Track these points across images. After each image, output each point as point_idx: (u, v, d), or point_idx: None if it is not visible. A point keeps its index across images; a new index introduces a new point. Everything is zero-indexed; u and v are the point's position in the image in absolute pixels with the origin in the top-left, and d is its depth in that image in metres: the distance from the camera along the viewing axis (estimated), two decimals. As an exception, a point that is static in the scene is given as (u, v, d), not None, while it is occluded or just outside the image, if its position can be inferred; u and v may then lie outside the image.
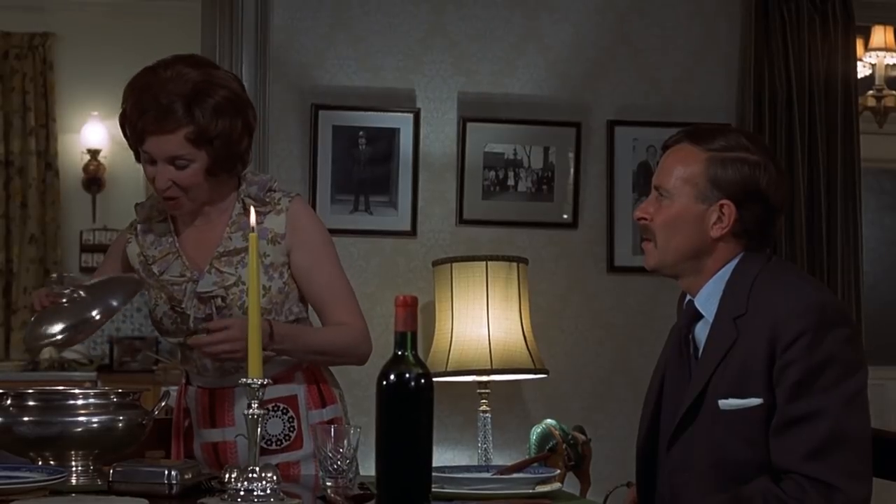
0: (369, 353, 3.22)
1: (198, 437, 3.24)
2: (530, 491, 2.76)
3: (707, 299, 2.72)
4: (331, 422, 3.20)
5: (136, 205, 3.30)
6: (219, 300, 3.11)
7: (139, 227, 3.25)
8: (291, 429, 3.17)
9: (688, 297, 2.78)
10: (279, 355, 3.09)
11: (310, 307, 3.25)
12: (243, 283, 3.09)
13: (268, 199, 3.16)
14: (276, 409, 3.14)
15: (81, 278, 3.06)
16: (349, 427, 2.73)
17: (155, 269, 3.17)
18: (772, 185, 2.71)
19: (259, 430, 2.88)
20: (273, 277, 3.14)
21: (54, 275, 3.02)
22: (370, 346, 3.22)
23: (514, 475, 2.84)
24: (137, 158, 3.14)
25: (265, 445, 3.12)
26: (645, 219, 2.75)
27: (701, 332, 2.73)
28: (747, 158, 2.69)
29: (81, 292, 2.99)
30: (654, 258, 2.75)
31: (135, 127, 3.04)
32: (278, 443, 3.15)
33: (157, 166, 3.06)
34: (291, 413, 3.17)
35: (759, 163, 2.70)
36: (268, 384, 2.51)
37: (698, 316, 2.73)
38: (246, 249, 3.10)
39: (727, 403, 2.60)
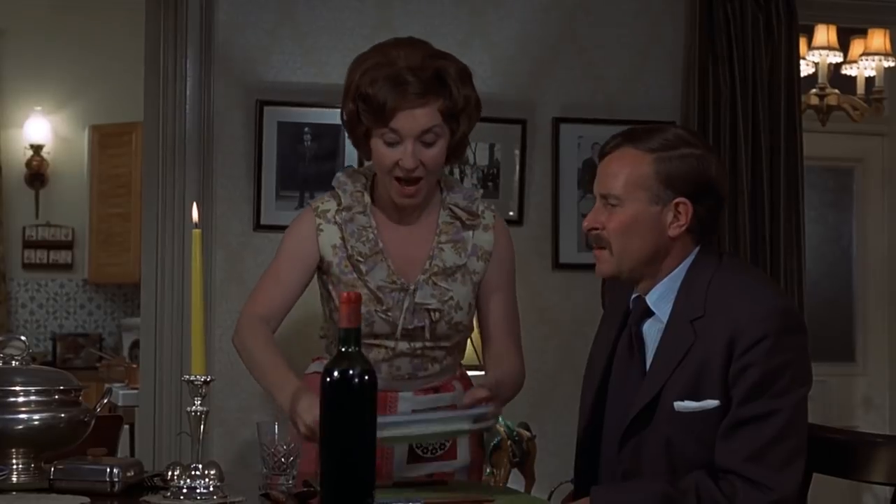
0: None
1: None
2: (468, 427, 2.76)
3: (660, 298, 2.70)
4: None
5: (333, 187, 3.12)
6: (435, 314, 3.02)
7: (343, 214, 3.07)
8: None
9: (636, 293, 2.76)
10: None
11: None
12: (454, 300, 3.03)
13: (476, 211, 3.10)
14: None
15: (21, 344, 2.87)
16: (290, 424, 2.72)
17: (363, 267, 3.03)
18: (719, 175, 2.71)
19: None
20: (474, 296, 3.10)
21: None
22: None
23: (452, 413, 2.86)
24: (362, 146, 3.03)
25: (420, 453, 3.06)
26: (596, 228, 2.70)
27: (650, 329, 2.71)
28: (692, 153, 2.67)
29: None
30: (610, 265, 2.70)
31: (383, 106, 2.90)
32: (433, 451, 3.07)
33: (404, 145, 2.94)
34: None
35: (703, 155, 2.69)
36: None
37: (648, 313, 2.72)
38: (461, 268, 3.06)
39: (683, 405, 2.59)
